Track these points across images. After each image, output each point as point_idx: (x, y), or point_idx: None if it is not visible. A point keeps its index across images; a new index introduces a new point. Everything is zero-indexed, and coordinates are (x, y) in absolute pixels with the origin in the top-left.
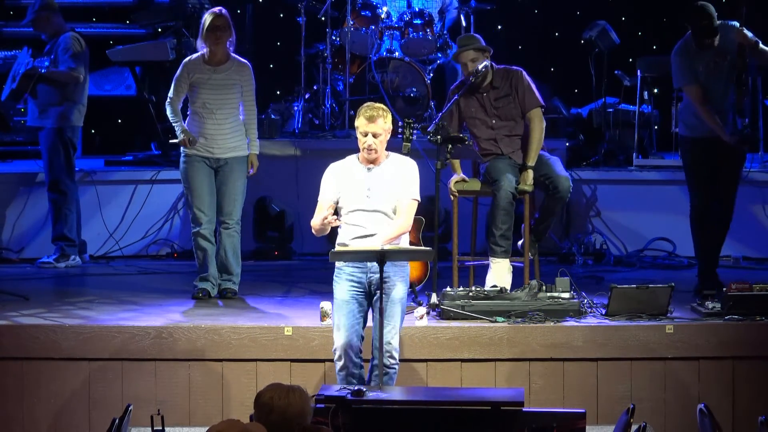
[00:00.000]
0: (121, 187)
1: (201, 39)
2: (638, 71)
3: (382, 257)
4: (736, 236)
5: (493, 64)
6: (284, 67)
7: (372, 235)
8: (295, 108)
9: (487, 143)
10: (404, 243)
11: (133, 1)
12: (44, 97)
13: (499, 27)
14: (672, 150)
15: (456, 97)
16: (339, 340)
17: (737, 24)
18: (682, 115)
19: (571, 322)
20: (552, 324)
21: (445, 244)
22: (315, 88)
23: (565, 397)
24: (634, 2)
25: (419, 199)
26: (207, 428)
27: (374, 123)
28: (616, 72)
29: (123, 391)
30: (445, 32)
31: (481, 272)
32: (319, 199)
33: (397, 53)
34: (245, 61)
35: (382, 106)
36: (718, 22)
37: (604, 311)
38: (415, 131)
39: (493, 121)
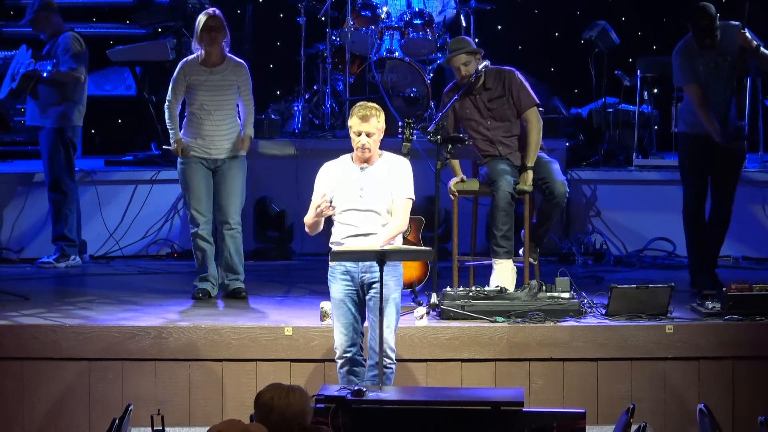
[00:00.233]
0: (121, 187)
1: (195, 40)
2: (638, 71)
3: (382, 257)
4: (736, 236)
5: (477, 66)
6: (284, 67)
7: (365, 235)
8: (295, 108)
9: (484, 144)
10: (397, 242)
11: (133, 1)
12: (44, 96)
13: (499, 27)
14: (672, 150)
15: (456, 97)
16: (338, 338)
17: (739, 25)
18: (682, 113)
19: (571, 322)
20: (552, 324)
21: (445, 244)
22: (315, 88)
23: (565, 397)
24: (634, 2)
25: (413, 197)
26: (207, 428)
27: (367, 122)
28: (616, 72)
29: (123, 391)
30: (445, 33)
31: (481, 272)
32: (313, 198)
33: (397, 53)
34: (241, 60)
35: (375, 105)
36: (720, 22)
37: (604, 311)
38: (415, 131)
39: (488, 123)
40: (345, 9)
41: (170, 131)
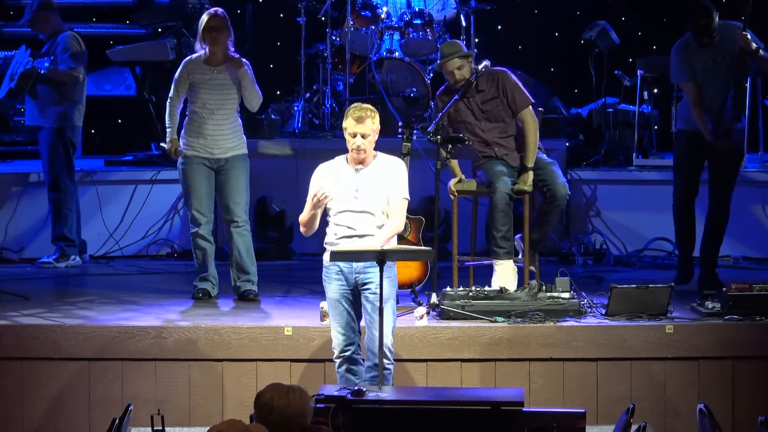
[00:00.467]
0: (121, 187)
1: (199, 40)
2: (638, 71)
3: (382, 257)
4: (736, 236)
5: (474, 66)
6: (284, 67)
7: (360, 236)
8: (295, 108)
9: (480, 146)
10: (392, 243)
11: (133, 1)
12: (44, 96)
13: (499, 27)
14: (672, 150)
15: (457, 97)
16: (336, 338)
17: (740, 25)
18: (681, 110)
19: (571, 322)
20: (552, 324)
21: (445, 244)
22: (315, 88)
23: (565, 397)
24: (634, 2)
25: (409, 197)
26: (207, 428)
27: (363, 123)
28: (616, 72)
29: (123, 391)
30: (445, 33)
31: (481, 272)
32: (308, 199)
33: (397, 53)
34: (239, 57)
35: (370, 106)
36: (721, 22)
37: (604, 311)
38: (415, 131)
39: (483, 124)
40: (345, 9)
41: (167, 129)
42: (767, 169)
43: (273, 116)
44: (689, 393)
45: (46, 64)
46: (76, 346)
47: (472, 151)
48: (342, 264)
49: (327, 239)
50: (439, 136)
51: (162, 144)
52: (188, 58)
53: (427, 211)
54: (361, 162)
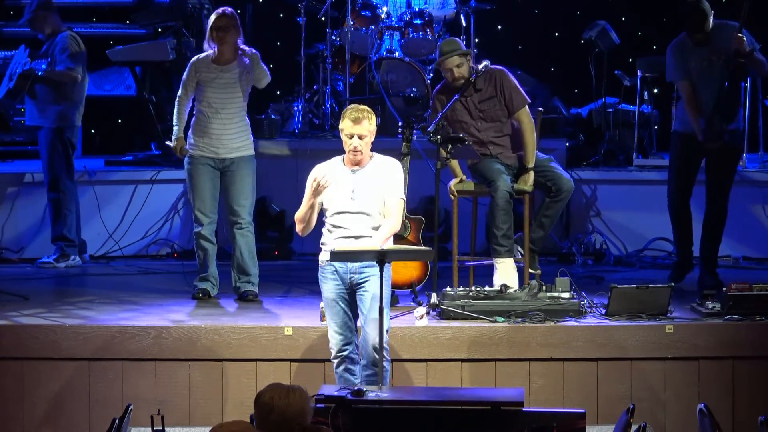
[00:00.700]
0: (121, 187)
1: (207, 39)
2: (638, 71)
3: (382, 257)
4: (736, 236)
5: (474, 65)
6: (284, 67)
7: (356, 237)
8: (295, 108)
9: (474, 145)
10: (388, 244)
11: (133, 1)
12: (42, 96)
13: (499, 27)
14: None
15: (457, 96)
16: (333, 338)
17: (737, 25)
18: (678, 111)
19: (571, 322)
20: (552, 324)
21: (445, 244)
22: (315, 88)
23: (565, 397)
24: (634, 2)
25: (405, 197)
26: (207, 428)
27: (359, 125)
28: (616, 72)
29: (123, 391)
30: (445, 33)
31: (481, 272)
32: (304, 198)
33: (397, 53)
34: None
35: (367, 108)
36: (717, 21)
37: (604, 311)
38: (415, 131)
39: (479, 124)
40: (345, 9)
41: (174, 127)
42: (767, 169)
43: (273, 116)
44: (689, 393)
45: (44, 66)
46: (76, 346)
47: (472, 151)
48: (337, 264)
49: (323, 239)
50: (439, 136)
51: (168, 143)
52: (196, 57)
53: (427, 211)
54: (358, 163)
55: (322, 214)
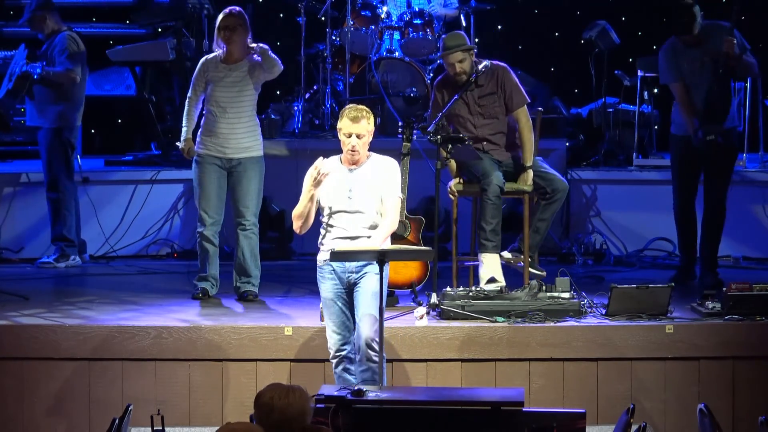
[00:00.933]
0: (121, 187)
1: (215, 39)
2: (638, 71)
3: (382, 257)
4: (736, 236)
5: (477, 61)
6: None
7: (353, 238)
8: (295, 108)
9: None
10: (386, 243)
11: (133, 1)
12: (41, 97)
13: (499, 27)
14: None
15: (457, 96)
16: (332, 337)
17: (729, 26)
18: (674, 114)
19: (571, 322)
20: (552, 324)
21: (445, 244)
22: (315, 88)
23: (565, 397)
24: (634, 2)
25: (402, 196)
26: (207, 429)
27: (358, 124)
28: (616, 72)
29: (123, 391)
30: (445, 33)
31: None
32: (302, 196)
33: (397, 53)
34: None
35: (365, 107)
36: (709, 22)
37: (604, 311)
38: (415, 131)
39: (476, 120)
40: (345, 9)
41: (183, 128)
42: (767, 169)
43: (273, 116)
44: (689, 393)
45: (38, 70)
46: (76, 346)
47: (472, 152)
48: (335, 264)
49: (320, 239)
50: (439, 136)
51: (177, 143)
52: (206, 56)
53: (427, 211)
54: (355, 162)
55: (319, 213)
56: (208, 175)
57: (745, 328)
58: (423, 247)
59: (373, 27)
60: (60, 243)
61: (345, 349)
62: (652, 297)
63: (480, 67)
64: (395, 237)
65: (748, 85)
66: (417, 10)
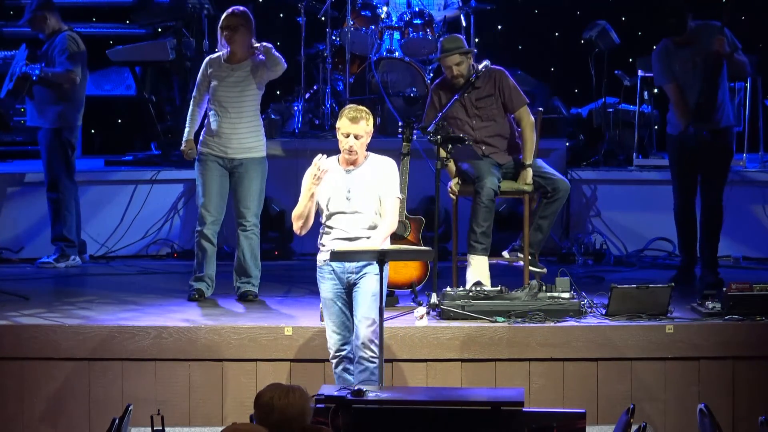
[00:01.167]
0: (121, 187)
1: (219, 39)
2: (638, 71)
3: (382, 257)
4: (736, 236)
5: (474, 64)
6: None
7: (352, 239)
8: (295, 108)
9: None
10: (386, 243)
11: (133, 1)
12: (41, 97)
13: (499, 27)
14: None
15: (457, 96)
16: (331, 337)
17: (719, 25)
18: (670, 114)
19: (571, 322)
20: (552, 324)
21: (445, 244)
22: (315, 88)
23: (565, 397)
24: (634, 2)
25: (401, 196)
26: (207, 429)
27: (357, 124)
28: (616, 72)
29: (123, 391)
30: (445, 33)
31: None
32: (301, 197)
33: (397, 53)
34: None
35: (365, 108)
36: (700, 22)
37: (604, 311)
38: (415, 131)
39: (474, 122)
40: (345, 9)
41: (185, 129)
42: (767, 169)
43: (273, 116)
44: (689, 393)
45: (37, 71)
46: (76, 345)
47: (472, 152)
48: (335, 264)
49: (320, 240)
50: (439, 136)
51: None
52: (209, 56)
53: (427, 211)
54: (353, 163)
55: (318, 214)
56: (210, 174)
57: (745, 328)
58: (423, 247)
59: (373, 27)
60: (60, 243)
61: (345, 349)
62: (652, 297)
63: (480, 67)
64: (395, 237)
65: (748, 85)
66: (417, 10)
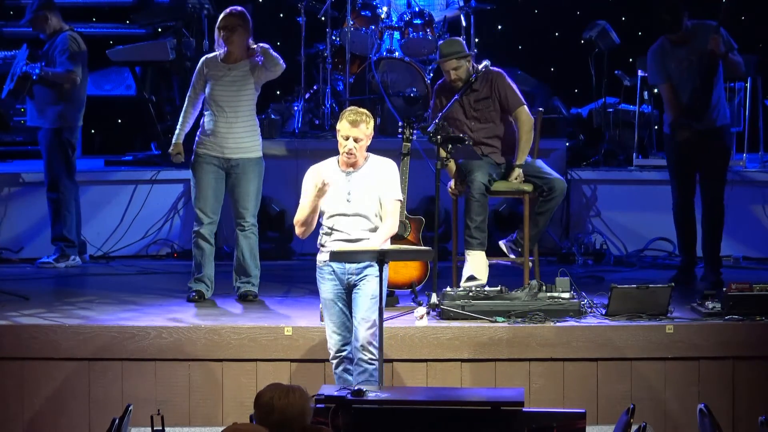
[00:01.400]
0: (121, 187)
1: (216, 39)
2: (638, 71)
3: (382, 257)
4: (736, 236)
5: (474, 65)
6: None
7: (353, 240)
8: (295, 108)
9: None
10: (386, 244)
11: (133, 1)
12: (41, 97)
13: (499, 27)
14: None
15: (457, 97)
16: (332, 338)
17: (715, 25)
18: (666, 114)
19: (571, 322)
20: (552, 324)
21: (445, 244)
22: (315, 88)
23: (565, 397)
24: (634, 2)
25: (401, 198)
26: (207, 429)
27: (357, 127)
28: (616, 72)
29: (123, 391)
30: (445, 33)
31: None
32: (301, 201)
33: (397, 53)
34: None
35: (366, 111)
36: (696, 21)
37: (604, 311)
38: (415, 131)
39: (472, 123)
40: (345, 9)
41: (176, 130)
42: (767, 169)
43: (273, 116)
44: (689, 393)
45: (37, 71)
46: (76, 346)
47: (472, 152)
48: (335, 264)
49: (320, 241)
50: (439, 136)
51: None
52: (206, 55)
53: (427, 211)
54: (353, 165)
55: (319, 216)
56: (206, 175)
57: (745, 328)
58: (423, 247)
59: (373, 27)
60: (60, 243)
61: (345, 350)
62: (653, 297)
63: (480, 67)
64: (395, 237)
65: (747, 85)
66: (417, 10)
